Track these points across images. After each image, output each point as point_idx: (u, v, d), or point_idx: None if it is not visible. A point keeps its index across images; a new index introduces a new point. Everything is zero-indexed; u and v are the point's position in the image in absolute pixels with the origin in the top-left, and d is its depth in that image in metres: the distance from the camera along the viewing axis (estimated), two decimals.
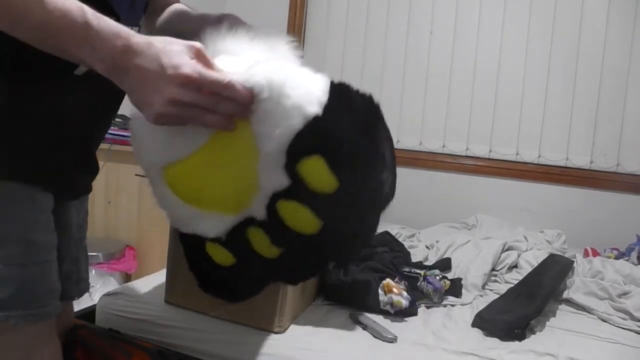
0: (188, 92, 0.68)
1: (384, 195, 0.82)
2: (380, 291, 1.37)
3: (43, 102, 0.81)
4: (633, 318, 1.49)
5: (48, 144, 0.83)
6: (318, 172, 0.72)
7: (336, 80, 0.76)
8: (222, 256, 0.86)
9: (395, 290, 1.35)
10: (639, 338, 1.40)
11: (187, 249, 0.91)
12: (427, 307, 1.48)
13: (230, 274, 0.88)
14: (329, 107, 0.72)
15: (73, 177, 0.92)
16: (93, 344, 1.13)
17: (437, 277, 1.52)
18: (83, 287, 1.06)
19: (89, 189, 1.00)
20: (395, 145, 2.95)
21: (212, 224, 0.81)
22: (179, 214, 0.83)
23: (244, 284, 0.92)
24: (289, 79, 0.72)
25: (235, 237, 0.82)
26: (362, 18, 2.80)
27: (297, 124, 0.71)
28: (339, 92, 0.74)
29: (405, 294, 1.37)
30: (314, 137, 0.71)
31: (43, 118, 0.81)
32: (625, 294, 1.61)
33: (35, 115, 0.80)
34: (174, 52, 0.68)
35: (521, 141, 2.58)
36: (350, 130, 0.73)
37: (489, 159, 2.63)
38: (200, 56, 0.69)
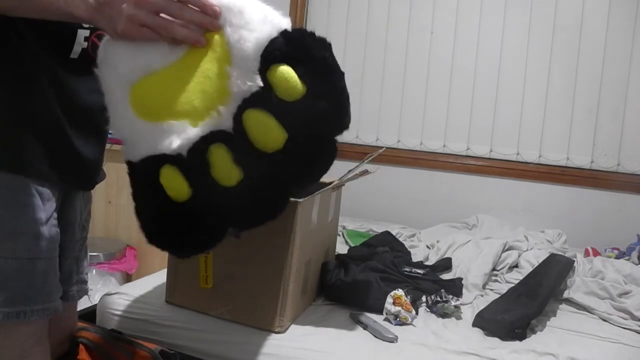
0: (143, 8, 0.73)
1: (346, 108, 0.85)
2: (388, 299, 1.37)
3: (48, 91, 0.81)
4: (633, 318, 1.49)
5: (56, 132, 0.83)
6: (287, 78, 0.78)
7: None
8: (177, 185, 0.81)
9: (405, 306, 1.35)
10: (639, 338, 1.40)
11: (138, 186, 0.85)
12: (428, 308, 1.48)
13: (182, 216, 0.83)
14: (294, 29, 0.82)
15: (82, 164, 0.91)
16: (95, 345, 1.13)
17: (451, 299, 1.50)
18: (82, 290, 1.06)
19: (96, 179, 0.99)
20: (396, 145, 2.96)
21: (176, 135, 0.79)
22: (141, 136, 0.81)
23: (195, 230, 0.85)
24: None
25: (196, 157, 0.79)
26: (362, 18, 2.80)
27: (272, 31, 0.79)
28: (301, 27, 0.87)
29: (413, 312, 1.37)
30: (286, 44, 0.79)
31: (50, 107, 0.81)
32: (625, 293, 1.61)
33: (40, 105, 0.80)
34: None
35: (522, 141, 2.58)
36: (316, 43, 0.83)
37: (489, 158, 2.63)
38: None
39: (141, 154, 0.80)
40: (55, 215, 0.85)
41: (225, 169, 0.79)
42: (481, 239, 2.05)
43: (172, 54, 0.79)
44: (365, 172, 1.41)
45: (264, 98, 0.77)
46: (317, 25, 2.88)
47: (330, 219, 1.53)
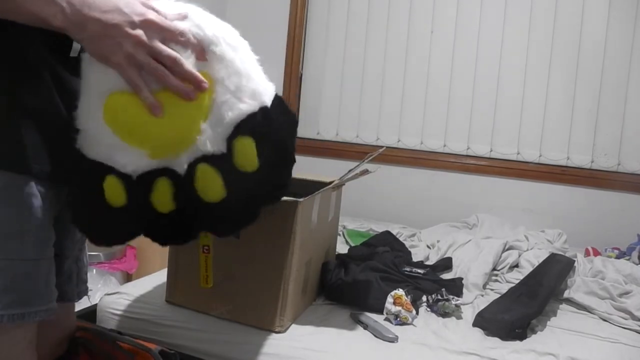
0: (143, 50, 0.75)
1: (280, 191, 0.96)
2: (389, 299, 1.37)
3: (51, 88, 0.81)
4: (634, 318, 1.49)
5: (59, 130, 0.82)
6: (247, 152, 0.85)
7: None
8: (116, 195, 0.86)
9: (406, 306, 1.35)
10: (639, 338, 1.40)
11: (80, 175, 0.88)
12: (428, 307, 1.48)
13: (109, 213, 0.88)
14: (274, 105, 0.89)
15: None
16: (95, 345, 1.13)
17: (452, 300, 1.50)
18: (82, 290, 1.06)
19: None
20: (396, 145, 2.96)
21: (132, 160, 0.84)
22: (102, 141, 0.84)
23: (116, 227, 0.91)
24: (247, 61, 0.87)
25: (143, 182, 0.85)
26: (362, 17, 2.79)
27: (254, 107, 0.85)
28: (279, 98, 0.92)
29: (414, 312, 1.37)
30: (259, 122, 0.86)
31: (52, 103, 0.81)
32: (626, 293, 1.61)
33: (43, 102, 0.80)
34: (131, 2, 0.75)
35: (522, 140, 2.58)
36: (284, 129, 0.92)
37: (490, 158, 2.63)
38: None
39: (94, 156, 0.84)
40: (52, 216, 0.85)
41: (163, 200, 0.86)
42: (481, 238, 2.05)
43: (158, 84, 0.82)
44: (366, 172, 1.41)
45: (222, 160, 0.84)
46: (317, 25, 2.88)
47: (330, 219, 1.53)
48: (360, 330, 1.31)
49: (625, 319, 1.49)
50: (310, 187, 1.35)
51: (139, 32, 0.75)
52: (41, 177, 0.80)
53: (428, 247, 2.07)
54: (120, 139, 0.83)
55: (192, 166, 0.85)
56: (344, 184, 1.53)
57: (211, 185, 0.85)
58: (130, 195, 0.85)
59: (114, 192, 0.85)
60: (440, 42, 2.68)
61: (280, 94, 0.94)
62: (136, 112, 0.81)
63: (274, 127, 0.89)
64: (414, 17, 2.72)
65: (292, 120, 0.95)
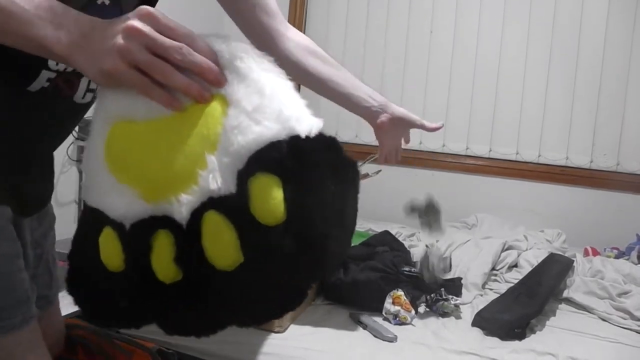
0: (135, 40, 0.58)
1: (320, 256, 0.62)
2: (388, 299, 1.37)
3: (6, 115, 0.76)
4: (633, 317, 1.49)
5: (11, 159, 0.80)
6: (269, 196, 0.59)
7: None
8: (111, 252, 0.67)
9: (405, 306, 1.35)
10: (638, 337, 1.40)
11: (82, 230, 0.73)
12: (428, 307, 1.48)
13: (109, 284, 0.69)
14: (315, 138, 0.62)
15: (26, 194, 0.86)
16: (93, 344, 1.13)
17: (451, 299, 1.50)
18: (56, 287, 1.04)
19: (43, 205, 0.93)
20: None
21: (121, 202, 0.65)
22: (97, 181, 0.68)
23: (116, 300, 0.70)
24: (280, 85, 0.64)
25: (139, 234, 0.65)
26: (362, 18, 2.79)
27: (279, 132, 0.60)
28: (329, 137, 0.64)
29: (413, 312, 1.37)
30: (288, 155, 0.60)
31: (9, 130, 0.76)
32: (625, 293, 1.61)
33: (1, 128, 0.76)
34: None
35: (521, 141, 2.58)
36: (327, 171, 0.62)
37: (489, 158, 2.63)
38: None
39: (90, 201, 0.69)
40: (11, 227, 0.82)
41: (163, 262, 0.64)
42: (481, 238, 2.05)
43: (159, 109, 0.63)
44: (366, 176, 1.40)
45: (235, 207, 0.60)
46: (316, 25, 2.87)
47: None
48: (359, 330, 1.31)
49: (625, 319, 1.49)
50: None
51: (135, 22, 0.59)
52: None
53: (427, 246, 2.06)
54: (113, 175, 0.66)
55: (197, 215, 0.62)
56: None
57: (222, 242, 0.61)
58: (126, 255, 0.66)
59: (109, 248, 0.67)
60: (440, 43, 2.68)
61: None
62: (131, 143, 0.65)
63: (308, 162, 0.61)
64: (413, 17, 2.72)
65: (341, 160, 0.64)
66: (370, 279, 1.45)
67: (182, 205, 0.62)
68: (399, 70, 2.73)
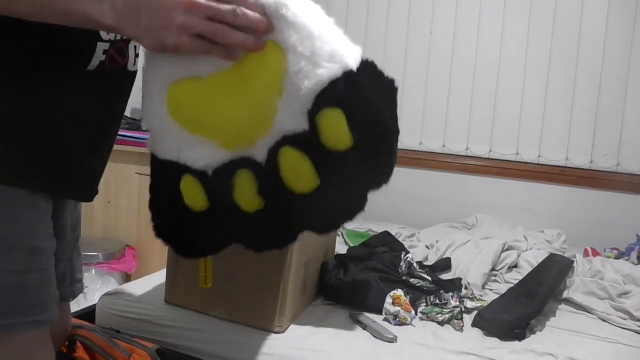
0: (196, 14, 0.66)
1: (389, 174, 0.80)
2: (388, 299, 1.37)
3: (49, 103, 0.78)
4: (633, 318, 1.49)
5: (53, 146, 0.81)
6: (336, 127, 0.71)
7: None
8: (195, 197, 0.77)
9: (405, 306, 1.35)
10: (638, 338, 1.40)
11: (158, 181, 0.82)
12: (426, 306, 1.48)
13: (193, 222, 0.80)
14: (363, 70, 0.73)
15: (80, 178, 0.90)
16: (93, 343, 1.13)
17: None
18: (77, 289, 1.05)
19: (94, 191, 0.95)
20: None
21: (204, 154, 0.75)
22: (169, 138, 0.76)
23: (201, 239, 0.83)
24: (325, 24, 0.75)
25: (221, 178, 0.75)
26: (362, 18, 2.80)
27: (337, 70, 0.70)
28: (371, 63, 0.76)
29: (413, 312, 1.37)
30: (346, 90, 0.71)
31: (49, 120, 0.79)
32: (625, 293, 1.61)
33: (40, 117, 0.79)
34: None
35: (521, 141, 2.58)
36: (379, 98, 0.75)
37: (489, 159, 2.63)
38: None
39: (165, 155, 0.77)
40: (50, 223, 0.84)
41: (247, 196, 0.76)
42: (481, 239, 2.05)
43: (218, 64, 0.72)
44: None
45: (307, 140, 0.71)
46: None
47: None
48: (359, 330, 1.31)
49: (625, 319, 1.49)
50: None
51: None
52: (32, 189, 0.79)
53: (427, 247, 2.06)
54: (187, 131, 0.74)
55: (273, 152, 0.73)
56: None
57: (299, 172, 0.73)
58: (210, 196, 0.76)
59: (192, 194, 0.77)
60: (440, 43, 2.68)
61: None
62: (201, 99, 0.73)
63: (367, 94, 0.74)
64: (413, 17, 2.72)
65: (389, 86, 0.79)
66: (370, 280, 1.46)
67: (259, 147, 0.73)
68: (399, 71, 2.74)
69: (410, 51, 2.73)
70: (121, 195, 2.27)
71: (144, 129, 0.79)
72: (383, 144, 0.78)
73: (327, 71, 0.70)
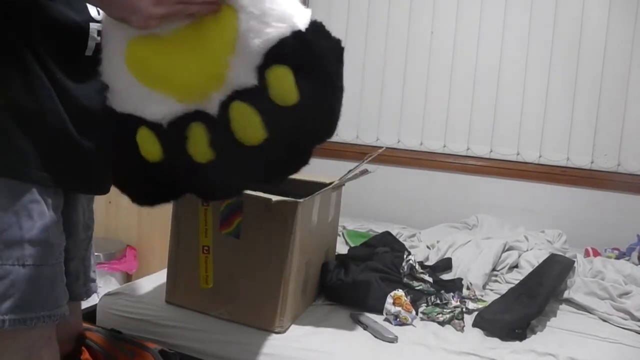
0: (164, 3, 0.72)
1: (332, 129, 0.85)
2: (388, 299, 1.37)
3: (51, 93, 0.79)
4: (634, 318, 1.49)
5: (62, 137, 0.81)
6: (284, 82, 0.76)
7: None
8: (150, 148, 0.82)
9: (406, 306, 1.35)
10: (639, 338, 1.40)
11: (116, 134, 0.86)
12: (427, 306, 1.48)
13: (149, 172, 0.85)
14: (311, 29, 0.78)
15: (91, 169, 0.90)
16: (97, 344, 1.13)
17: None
18: (91, 288, 1.05)
19: (109, 183, 0.97)
20: (396, 145, 2.95)
21: (159, 107, 0.80)
22: (127, 91, 0.81)
23: (158, 186, 0.88)
24: None
25: (175, 130, 0.80)
26: (362, 18, 2.79)
27: (286, 30, 0.75)
28: (319, 24, 0.81)
29: (413, 312, 1.37)
30: (295, 48, 0.76)
31: (53, 109, 0.80)
32: (625, 294, 1.61)
33: (43, 108, 0.79)
34: None
35: (522, 141, 2.58)
36: (328, 54, 0.79)
37: (489, 159, 2.63)
38: None
39: (122, 108, 0.81)
40: (61, 219, 0.85)
41: (200, 148, 0.80)
42: (481, 239, 2.05)
43: (175, 24, 0.78)
44: (365, 172, 1.41)
45: (256, 95, 0.77)
46: None
47: (330, 219, 1.53)
48: (360, 330, 1.31)
49: (625, 320, 1.49)
50: (310, 188, 1.35)
51: None
52: (43, 183, 0.80)
53: (428, 247, 2.06)
54: (145, 86, 0.78)
55: (225, 106, 0.78)
56: (343, 185, 1.53)
57: (249, 125, 0.78)
58: (165, 147, 0.81)
59: (148, 145, 0.81)
60: (440, 43, 2.67)
61: None
62: (158, 54, 0.78)
63: (314, 52, 0.78)
64: (414, 17, 2.71)
65: (335, 45, 0.82)
66: (370, 280, 1.46)
67: (212, 100, 0.77)
68: (400, 71, 2.73)
69: (410, 51, 2.72)
70: (121, 195, 2.26)
71: (103, 82, 0.82)
72: (330, 98, 0.81)
73: (276, 30, 0.75)
